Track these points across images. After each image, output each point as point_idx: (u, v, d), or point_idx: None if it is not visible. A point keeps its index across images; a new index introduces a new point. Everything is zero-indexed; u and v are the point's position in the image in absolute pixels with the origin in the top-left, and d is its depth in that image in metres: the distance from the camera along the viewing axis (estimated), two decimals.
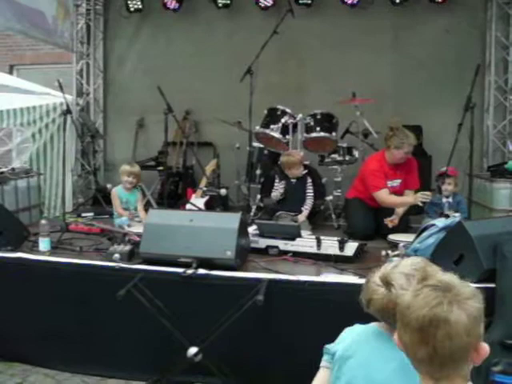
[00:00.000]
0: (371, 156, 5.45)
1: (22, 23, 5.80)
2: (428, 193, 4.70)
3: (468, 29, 6.74)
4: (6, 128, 6.92)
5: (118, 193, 5.26)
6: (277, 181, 5.57)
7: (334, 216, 5.72)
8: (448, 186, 5.05)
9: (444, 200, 4.98)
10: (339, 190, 5.99)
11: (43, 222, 4.17)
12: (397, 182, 5.11)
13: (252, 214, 5.78)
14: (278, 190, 5.52)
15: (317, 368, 3.36)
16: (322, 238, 4.10)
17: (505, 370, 2.89)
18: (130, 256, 3.79)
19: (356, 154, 6.00)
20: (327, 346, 2.02)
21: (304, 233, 4.44)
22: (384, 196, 4.97)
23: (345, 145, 5.99)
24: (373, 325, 1.93)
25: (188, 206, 5.56)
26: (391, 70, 6.92)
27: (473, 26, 6.75)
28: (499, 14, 6.66)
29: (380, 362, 1.78)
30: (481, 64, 4.79)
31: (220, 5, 7.07)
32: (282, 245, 4.13)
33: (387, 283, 1.83)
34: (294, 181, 5.52)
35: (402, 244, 4.02)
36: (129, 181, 5.21)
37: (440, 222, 3.79)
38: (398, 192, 5.13)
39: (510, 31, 6.68)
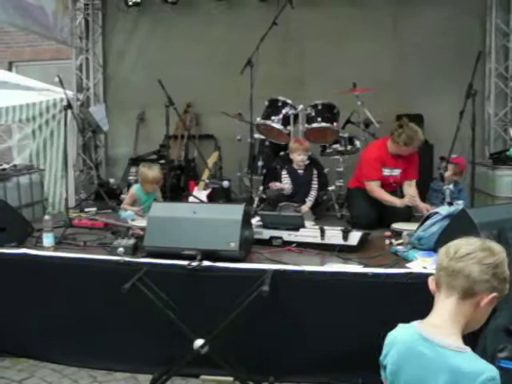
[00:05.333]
0: (373, 142, 5.48)
1: (24, 18, 5.79)
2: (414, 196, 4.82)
3: (468, 16, 6.71)
4: (5, 124, 6.92)
5: (137, 193, 5.22)
6: (284, 172, 5.55)
7: (336, 206, 5.74)
8: (455, 176, 5.14)
9: (445, 187, 4.99)
10: (341, 180, 6.00)
11: (47, 217, 4.17)
12: (397, 172, 5.12)
13: (255, 205, 5.78)
14: (288, 183, 5.48)
15: (323, 357, 3.38)
16: (325, 228, 4.10)
17: (510, 356, 2.89)
18: (134, 250, 3.80)
19: (357, 143, 6.01)
20: (380, 359, 1.89)
21: (307, 223, 4.43)
22: (374, 188, 5.06)
23: (346, 135, 6.00)
24: (415, 327, 1.79)
25: (190, 199, 5.57)
26: (391, 58, 6.90)
27: (473, 13, 6.72)
28: (499, 1, 6.63)
29: (431, 379, 1.68)
30: (481, 51, 4.77)
31: None
32: (286, 235, 4.13)
33: None
34: (300, 172, 5.51)
35: (405, 232, 4.03)
36: (152, 188, 5.19)
37: (443, 210, 3.79)
38: (398, 181, 5.17)
39: (510, 18, 6.65)
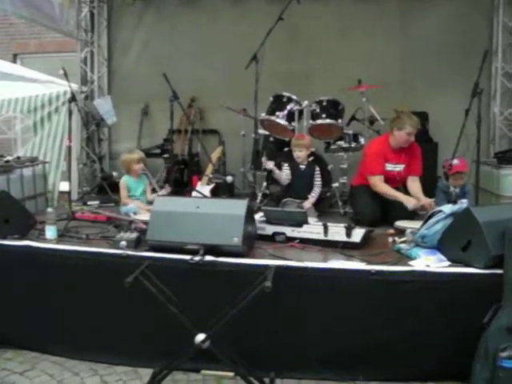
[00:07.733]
0: (376, 138, 5.47)
1: (30, 10, 5.78)
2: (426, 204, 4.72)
3: (475, 14, 6.68)
4: (5, 115, 6.89)
5: (127, 182, 5.20)
6: (285, 165, 5.55)
7: (340, 203, 5.73)
8: (460, 181, 5.09)
9: (451, 189, 4.98)
10: (345, 177, 5.99)
11: (50, 210, 4.17)
12: (400, 167, 5.12)
13: (258, 201, 5.77)
14: (285, 172, 5.49)
15: (324, 353, 3.38)
16: (328, 224, 4.09)
17: None
18: (137, 243, 3.80)
19: (362, 140, 6.00)
20: None
21: (311, 219, 4.43)
22: (377, 182, 5.05)
23: (351, 131, 5.99)
24: None
25: (194, 194, 5.56)
26: (397, 56, 6.88)
27: (480, 11, 6.69)
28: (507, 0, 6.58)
29: None
30: (488, 50, 4.75)
31: None
32: (289, 231, 4.12)
33: None
34: (302, 167, 5.50)
35: (409, 230, 4.01)
36: (140, 168, 5.19)
37: (447, 209, 3.78)
38: (402, 177, 5.16)
39: None
